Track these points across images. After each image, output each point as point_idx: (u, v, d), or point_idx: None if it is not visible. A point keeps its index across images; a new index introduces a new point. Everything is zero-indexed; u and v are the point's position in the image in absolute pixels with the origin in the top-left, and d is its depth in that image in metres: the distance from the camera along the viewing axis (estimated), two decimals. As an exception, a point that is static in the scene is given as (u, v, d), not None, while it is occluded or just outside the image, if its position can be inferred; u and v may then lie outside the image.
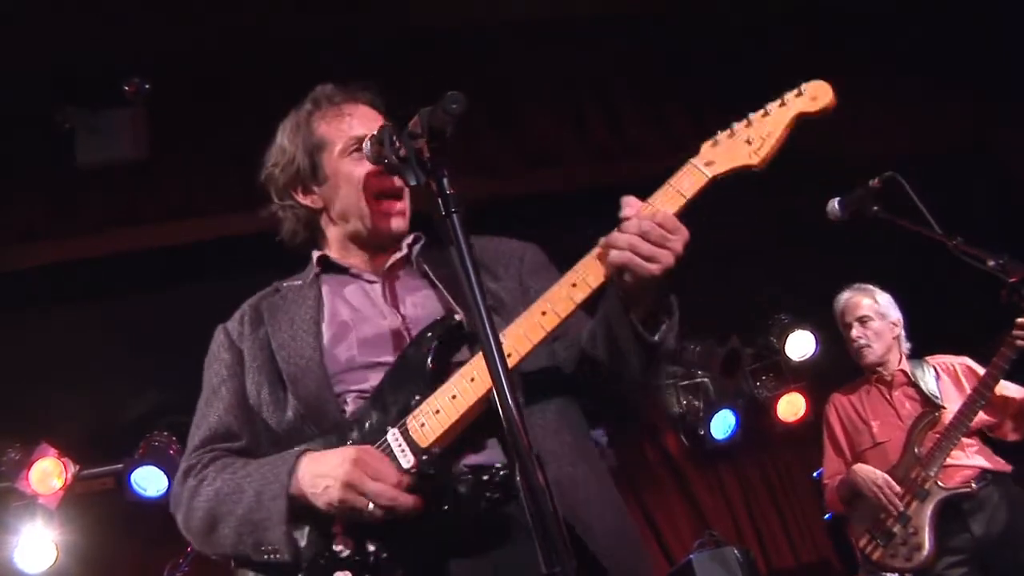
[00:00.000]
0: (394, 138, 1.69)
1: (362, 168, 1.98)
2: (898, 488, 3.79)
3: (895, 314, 4.19)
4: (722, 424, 6.37)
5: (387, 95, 2.17)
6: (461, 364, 1.78)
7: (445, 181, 1.57)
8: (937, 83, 5.42)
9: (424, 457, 1.70)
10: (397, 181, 1.94)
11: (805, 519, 6.54)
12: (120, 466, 5.23)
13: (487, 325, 1.47)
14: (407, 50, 4.66)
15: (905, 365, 4.15)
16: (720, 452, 6.51)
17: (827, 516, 5.28)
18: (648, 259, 1.65)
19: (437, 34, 4.75)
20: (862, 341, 4.13)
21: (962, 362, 4.13)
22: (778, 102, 1.85)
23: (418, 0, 4.69)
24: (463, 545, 1.69)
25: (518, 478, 1.42)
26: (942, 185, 3.57)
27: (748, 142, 1.80)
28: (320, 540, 1.72)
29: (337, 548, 1.70)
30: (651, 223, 1.67)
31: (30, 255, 4.42)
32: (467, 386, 1.72)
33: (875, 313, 4.16)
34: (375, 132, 1.84)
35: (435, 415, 1.73)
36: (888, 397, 4.13)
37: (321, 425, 1.82)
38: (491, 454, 1.77)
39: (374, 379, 1.83)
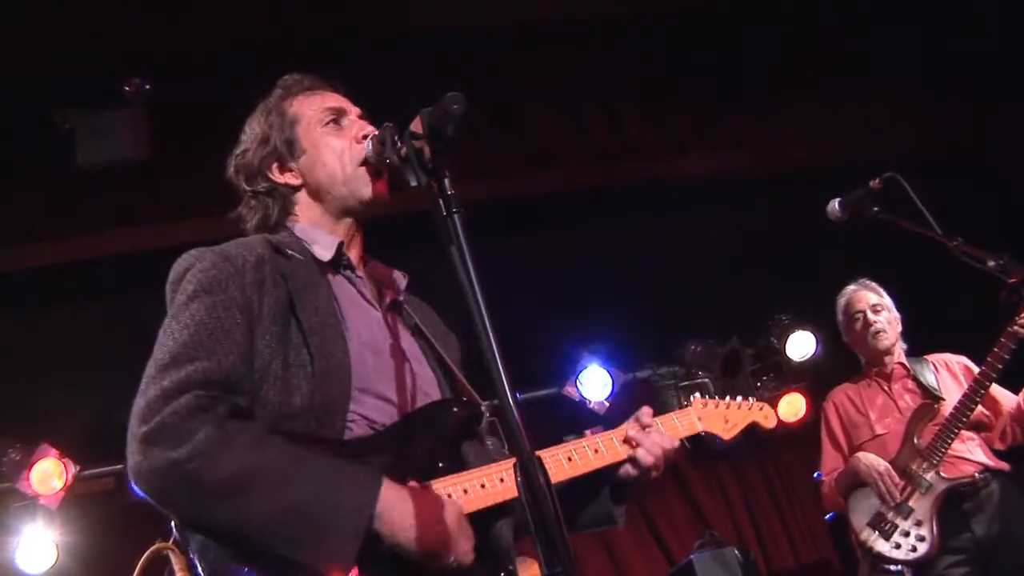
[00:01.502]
0: (395, 138, 1.69)
1: (342, 139, 1.96)
2: (898, 478, 3.79)
3: (896, 312, 4.22)
4: (722, 424, 6.37)
5: (387, 95, 2.18)
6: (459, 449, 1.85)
7: (446, 182, 1.57)
8: (937, 83, 5.42)
9: None
10: None
11: (805, 519, 6.53)
12: (121, 467, 5.21)
13: (486, 325, 1.46)
14: (407, 50, 4.66)
15: (904, 360, 4.17)
16: (720, 453, 6.50)
17: (828, 516, 5.27)
18: (656, 468, 2.08)
19: (437, 34, 4.75)
20: (879, 326, 4.11)
21: (960, 361, 4.14)
22: (748, 404, 2.46)
23: (418, 0, 4.69)
24: None
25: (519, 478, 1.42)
26: (942, 185, 3.57)
27: (725, 420, 2.39)
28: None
29: None
30: (672, 445, 2.12)
31: (31, 255, 4.42)
32: (497, 484, 1.78)
33: (884, 305, 4.18)
34: (376, 131, 1.85)
35: (464, 493, 1.74)
36: (887, 390, 4.13)
37: (320, 430, 1.70)
38: (500, 541, 1.82)
39: (381, 413, 1.79)
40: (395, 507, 1.60)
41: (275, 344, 1.72)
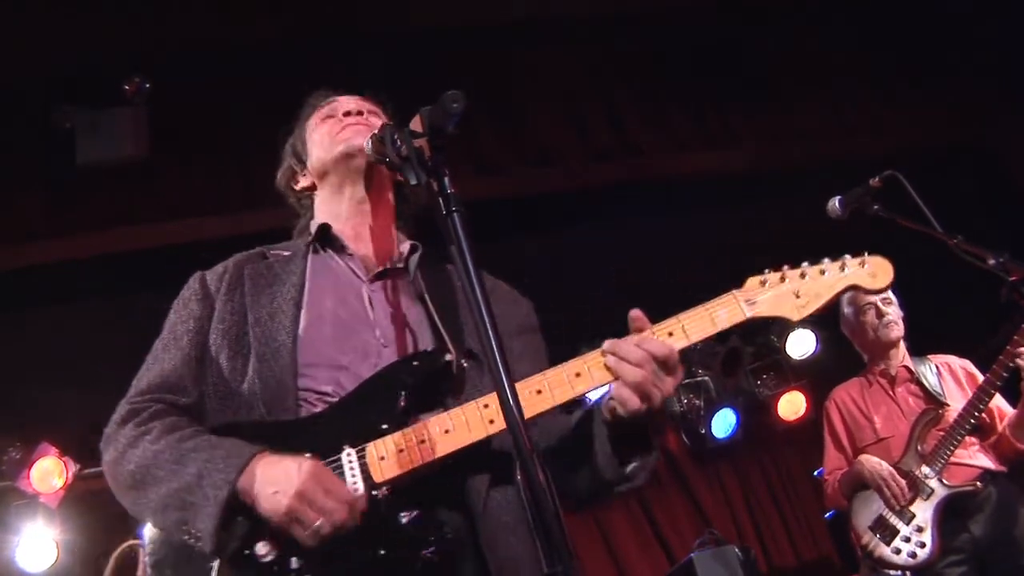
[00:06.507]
0: (395, 136, 1.70)
1: (332, 120, 2.08)
2: (903, 481, 3.76)
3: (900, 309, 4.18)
4: (723, 423, 6.38)
5: (387, 95, 2.19)
6: (433, 404, 1.74)
7: (446, 180, 1.57)
8: (937, 82, 5.42)
9: (374, 493, 1.64)
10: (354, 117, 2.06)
11: (806, 518, 6.55)
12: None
13: (487, 323, 1.45)
14: (407, 50, 4.66)
15: (908, 361, 4.13)
16: (721, 451, 6.52)
17: (828, 515, 5.27)
18: (643, 398, 1.63)
19: (437, 34, 4.75)
20: (892, 317, 4.07)
21: (963, 365, 4.10)
22: (839, 264, 1.81)
23: (418, 0, 4.69)
24: None
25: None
26: (942, 184, 3.57)
27: (796, 295, 1.77)
28: (246, 536, 1.64)
29: (260, 550, 1.62)
30: (652, 368, 1.63)
31: (30, 254, 4.42)
32: (439, 437, 1.67)
33: (892, 299, 4.12)
34: (375, 130, 1.87)
35: (398, 454, 1.66)
36: (891, 393, 4.10)
37: (272, 410, 1.75)
38: (439, 512, 1.71)
39: (338, 383, 1.78)
40: (256, 478, 1.63)
41: (222, 339, 1.85)
